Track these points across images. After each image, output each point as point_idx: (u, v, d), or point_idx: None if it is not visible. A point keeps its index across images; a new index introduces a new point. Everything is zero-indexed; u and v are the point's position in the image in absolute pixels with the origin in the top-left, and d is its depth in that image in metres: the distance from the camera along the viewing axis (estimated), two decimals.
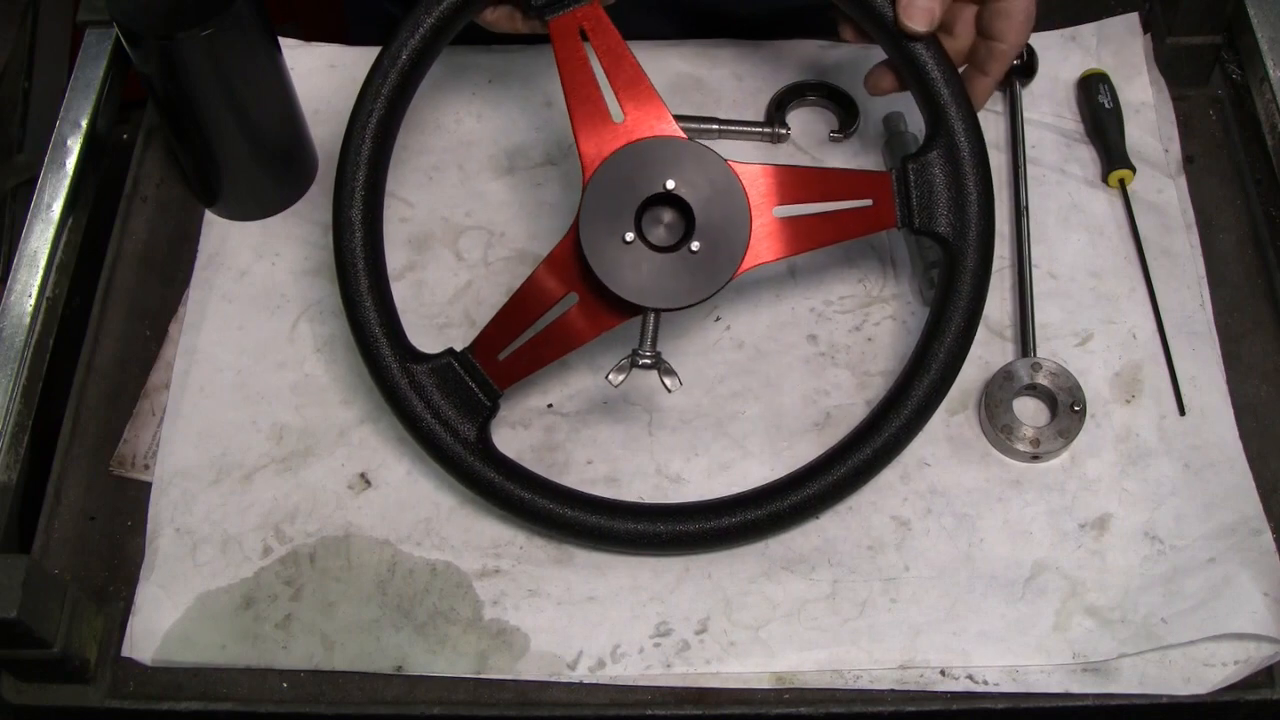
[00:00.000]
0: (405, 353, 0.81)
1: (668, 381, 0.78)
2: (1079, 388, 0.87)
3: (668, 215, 0.78)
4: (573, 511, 0.81)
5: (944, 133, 0.81)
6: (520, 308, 0.81)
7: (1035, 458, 0.86)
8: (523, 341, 0.81)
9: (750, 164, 0.80)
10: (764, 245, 0.80)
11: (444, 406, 0.81)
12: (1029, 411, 0.88)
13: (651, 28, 1.06)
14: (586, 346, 0.81)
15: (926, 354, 0.80)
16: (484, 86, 1.04)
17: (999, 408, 0.87)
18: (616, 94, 0.80)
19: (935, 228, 0.80)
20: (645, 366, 0.77)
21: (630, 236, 0.77)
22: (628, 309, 0.79)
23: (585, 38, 0.81)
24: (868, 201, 0.81)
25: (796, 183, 0.81)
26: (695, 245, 0.77)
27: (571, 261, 0.80)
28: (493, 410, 0.81)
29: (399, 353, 0.81)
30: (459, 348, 0.82)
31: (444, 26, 0.81)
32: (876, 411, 0.81)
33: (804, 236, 0.81)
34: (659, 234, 0.78)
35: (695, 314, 0.93)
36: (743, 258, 0.78)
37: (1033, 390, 0.88)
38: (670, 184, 0.77)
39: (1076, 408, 0.86)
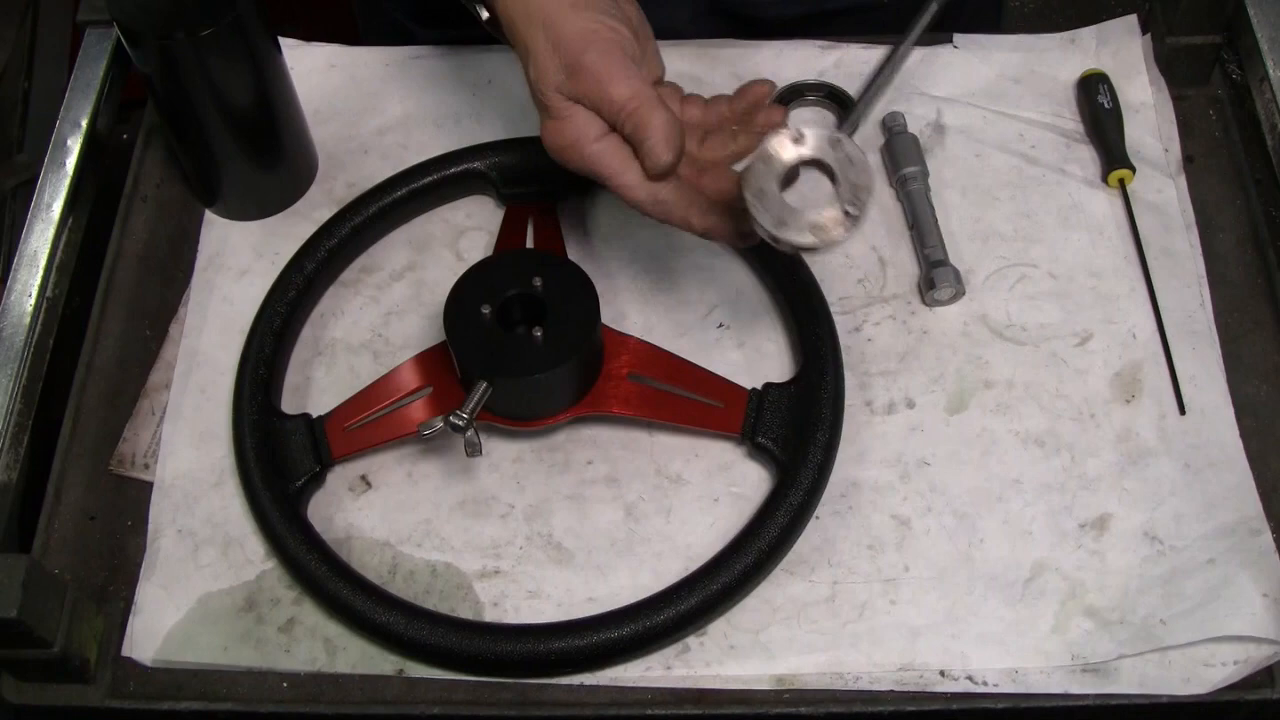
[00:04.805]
0: (266, 408, 0.87)
1: (468, 448, 0.82)
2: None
3: (527, 308, 0.84)
4: (334, 585, 0.81)
5: (810, 373, 0.86)
6: (378, 391, 0.87)
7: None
8: (368, 420, 0.86)
9: (626, 334, 0.88)
10: (609, 398, 0.86)
11: (277, 458, 0.85)
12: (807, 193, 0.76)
13: (668, 19, 1.05)
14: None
15: (735, 552, 0.81)
16: (484, 86, 1.04)
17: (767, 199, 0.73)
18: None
19: (773, 449, 0.84)
20: (455, 428, 0.80)
21: (486, 310, 0.83)
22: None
23: (529, 221, 0.94)
24: (719, 403, 0.86)
25: (659, 362, 0.87)
26: (537, 331, 0.82)
27: (439, 359, 0.87)
28: (320, 474, 0.86)
29: (260, 406, 0.87)
30: (322, 413, 0.87)
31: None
32: (683, 581, 0.81)
33: (648, 406, 0.86)
34: (512, 319, 0.85)
35: (693, 315, 0.93)
36: (580, 352, 0.82)
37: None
38: (538, 282, 0.84)
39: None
